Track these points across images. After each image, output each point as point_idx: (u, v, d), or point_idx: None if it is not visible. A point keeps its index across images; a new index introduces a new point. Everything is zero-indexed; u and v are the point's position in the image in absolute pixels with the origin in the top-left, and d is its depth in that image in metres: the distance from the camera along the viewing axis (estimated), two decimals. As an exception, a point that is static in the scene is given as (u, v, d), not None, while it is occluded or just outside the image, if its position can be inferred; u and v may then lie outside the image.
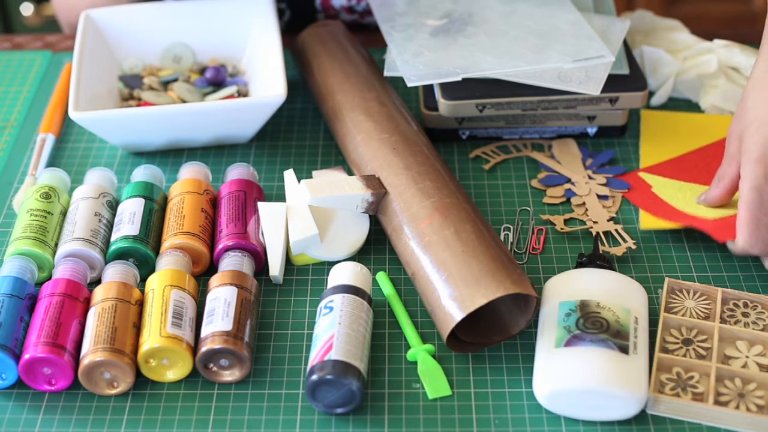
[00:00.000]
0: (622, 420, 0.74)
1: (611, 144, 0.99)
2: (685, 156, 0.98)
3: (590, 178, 0.94)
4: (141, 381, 0.78)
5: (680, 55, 1.04)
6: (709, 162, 0.96)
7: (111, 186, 0.91)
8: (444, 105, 0.94)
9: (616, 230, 0.88)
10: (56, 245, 0.85)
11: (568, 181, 0.94)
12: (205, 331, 0.77)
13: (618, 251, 0.86)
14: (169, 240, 0.85)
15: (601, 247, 0.86)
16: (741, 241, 0.82)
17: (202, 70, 1.06)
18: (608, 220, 0.89)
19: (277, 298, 0.84)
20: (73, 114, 0.91)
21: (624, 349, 0.73)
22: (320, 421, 0.75)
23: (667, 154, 0.98)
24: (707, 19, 1.95)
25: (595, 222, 0.89)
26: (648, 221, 0.90)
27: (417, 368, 0.78)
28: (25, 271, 0.82)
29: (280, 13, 1.18)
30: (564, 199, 0.92)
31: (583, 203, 0.91)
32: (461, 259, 0.77)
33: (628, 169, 0.96)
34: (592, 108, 0.95)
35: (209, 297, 0.80)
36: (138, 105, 1.01)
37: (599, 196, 0.92)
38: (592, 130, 0.99)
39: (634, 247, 0.86)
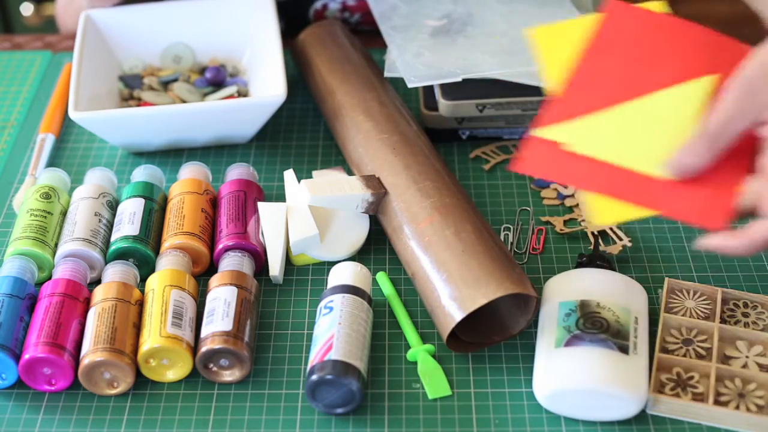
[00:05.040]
0: (622, 420, 0.74)
1: (611, 144, 0.99)
2: (588, 59, 0.75)
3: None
4: (141, 381, 0.78)
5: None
6: (633, 52, 0.75)
7: (111, 186, 0.91)
8: (444, 105, 0.94)
9: (611, 229, 0.88)
10: (56, 245, 0.85)
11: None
12: (205, 331, 0.77)
13: (614, 249, 0.86)
14: (169, 240, 0.85)
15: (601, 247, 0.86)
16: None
17: (202, 70, 1.06)
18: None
19: (277, 298, 0.84)
20: (73, 114, 0.91)
21: (624, 349, 0.73)
22: (320, 421, 0.75)
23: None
24: (708, 19, 1.95)
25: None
26: (602, 210, 0.70)
27: (417, 368, 0.78)
28: (25, 271, 0.82)
29: None
30: (559, 201, 0.92)
31: (578, 204, 0.91)
32: (461, 259, 0.77)
33: None
34: (592, 108, 0.95)
35: (209, 297, 0.80)
36: (138, 105, 1.01)
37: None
38: (592, 130, 0.99)
39: (629, 244, 0.86)
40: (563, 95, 0.75)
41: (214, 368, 0.77)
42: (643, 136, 0.72)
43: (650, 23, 0.79)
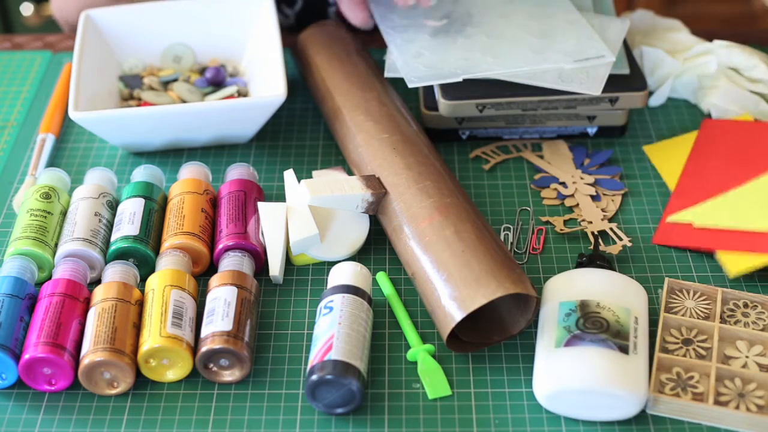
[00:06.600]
0: (622, 420, 0.74)
1: (611, 144, 0.99)
2: (694, 161, 0.94)
3: (580, 178, 0.94)
4: (141, 381, 0.78)
5: (680, 56, 1.04)
6: (733, 149, 0.93)
7: (111, 186, 0.91)
8: (444, 105, 0.94)
9: (611, 229, 0.88)
10: (56, 245, 0.85)
11: (560, 182, 0.94)
12: (205, 331, 0.77)
13: (614, 249, 0.86)
14: (169, 240, 0.85)
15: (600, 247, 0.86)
16: None
17: (202, 70, 1.06)
18: (602, 220, 0.89)
19: (277, 298, 0.84)
20: (73, 114, 0.91)
21: (624, 349, 0.73)
22: (320, 421, 0.75)
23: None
24: (707, 19, 1.95)
25: (589, 222, 0.89)
26: (735, 263, 0.83)
27: (417, 368, 0.78)
28: (25, 271, 0.82)
29: (291, 2, 1.17)
30: (559, 201, 0.92)
31: (578, 204, 0.91)
32: (461, 259, 0.77)
33: (624, 170, 0.95)
34: (592, 108, 0.95)
35: (209, 297, 0.80)
36: (138, 105, 1.01)
37: (593, 197, 0.92)
38: (592, 130, 0.99)
39: (629, 244, 0.86)
40: (679, 190, 0.91)
41: (214, 368, 0.77)
42: (759, 205, 0.86)
43: (743, 130, 0.96)
